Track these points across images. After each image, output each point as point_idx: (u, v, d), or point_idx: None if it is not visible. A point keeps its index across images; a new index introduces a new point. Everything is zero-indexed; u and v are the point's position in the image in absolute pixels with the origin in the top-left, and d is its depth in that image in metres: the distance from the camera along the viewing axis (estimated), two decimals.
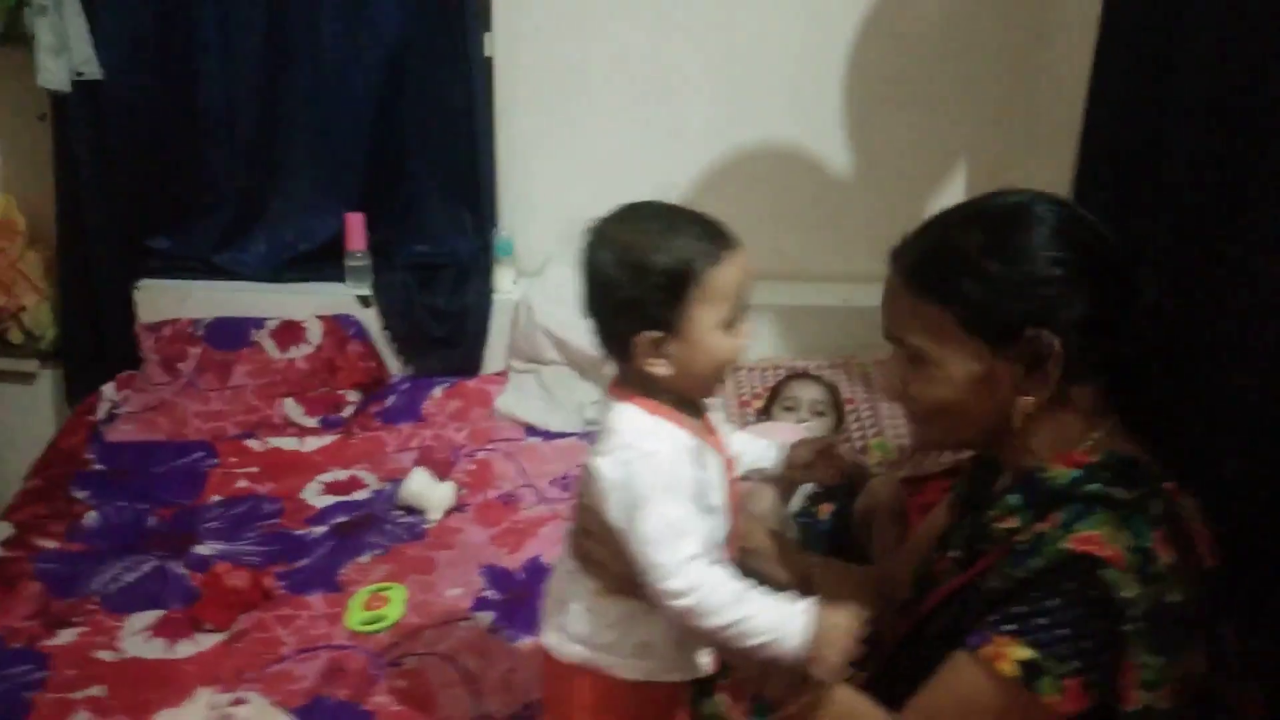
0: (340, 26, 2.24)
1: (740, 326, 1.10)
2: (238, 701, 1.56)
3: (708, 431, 1.17)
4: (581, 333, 1.29)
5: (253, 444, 2.23)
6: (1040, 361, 1.02)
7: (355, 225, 2.39)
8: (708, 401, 1.19)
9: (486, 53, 2.30)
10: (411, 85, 2.30)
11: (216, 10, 2.21)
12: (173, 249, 2.42)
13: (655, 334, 1.07)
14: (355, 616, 1.75)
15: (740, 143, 2.44)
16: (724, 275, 1.07)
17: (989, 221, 1.05)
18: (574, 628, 1.18)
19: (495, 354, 2.51)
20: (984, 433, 1.09)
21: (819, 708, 1.08)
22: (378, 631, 1.73)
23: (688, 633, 1.12)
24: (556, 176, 2.46)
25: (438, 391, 2.42)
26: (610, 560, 1.13)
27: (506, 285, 2.50)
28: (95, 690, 1.58)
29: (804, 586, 1.31)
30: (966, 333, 1.03)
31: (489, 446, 2.24)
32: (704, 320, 1.07)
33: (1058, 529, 1.01)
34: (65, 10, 2.11)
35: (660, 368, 1.08)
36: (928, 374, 1.06)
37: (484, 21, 2.27)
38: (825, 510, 1.89)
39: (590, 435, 1.39)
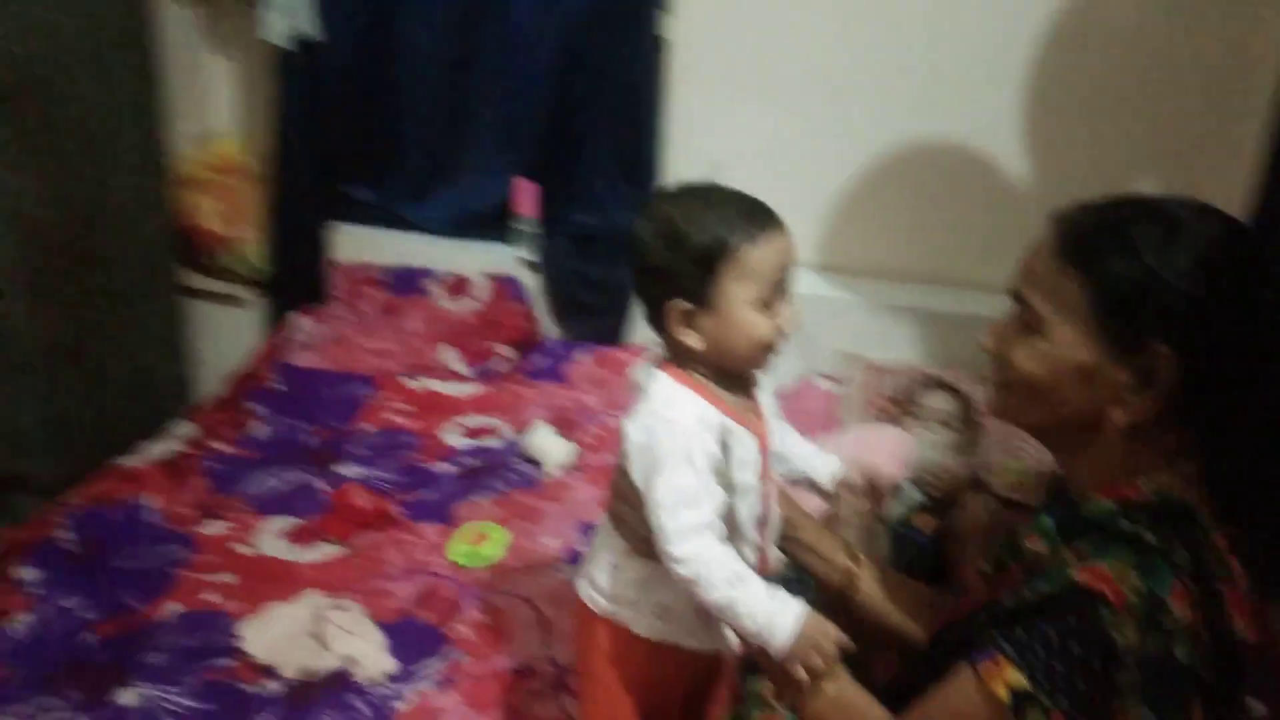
0: (529, 2, 2.36)
1: (779, 308, 1.12)
2: (338, 607, 1.73)
3: (751, 412, 1.19)
4: None
5: (409, 383, 2.42)
6: (1151, 380, 0.98)
7: (526, 191, 2.52)
8: (760, 382, 1.22)
9: (663, 34, 2.37)
10: (591, 61, 2.40)
11: None
12: (369, 199, 2.64)
13: (684, 304, 1.10)
14: (458, 549, 1.89)
15: (909, 141, 2.38)
16: (759, 254, 1.09)
17: (1168, 222, 0.99)
18: (601, 580, 1.25)
19: (644, 327, 2.58)
20: (1060, 427, 1.06)
21: (815, 698, 1.10)
22: (475, 566, 1.85)
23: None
24: (720, 160, 2.49)
25: (583, 356, 2.53)
26: (636, 521, 1.17)
27: None
28: (226, 577, 1.80)
29: (847, 588, 1.32)
30: (1094, 318, 0.99)
31: (618, 413, 2.32)
32: (736, 296, 1.09)
33: (1074, 558, 0.98)
34: None
35: (692, 339, 1.12)
36: (1035, 345, 1.03)
37: (664, 3, 2.34)
38: (929, 524, 1.85)
39: None
